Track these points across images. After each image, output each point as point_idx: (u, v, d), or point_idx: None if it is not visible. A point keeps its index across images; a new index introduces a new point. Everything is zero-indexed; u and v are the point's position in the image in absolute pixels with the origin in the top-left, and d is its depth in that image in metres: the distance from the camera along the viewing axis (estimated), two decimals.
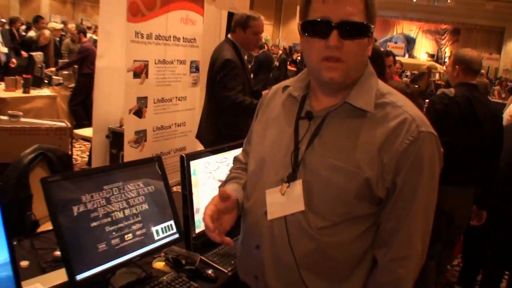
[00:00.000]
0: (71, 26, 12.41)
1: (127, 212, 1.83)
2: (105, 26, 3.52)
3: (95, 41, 7.49)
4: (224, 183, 1.65)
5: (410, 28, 26.72)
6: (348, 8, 1.25)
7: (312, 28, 1.29)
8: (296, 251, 1.36)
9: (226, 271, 1.98)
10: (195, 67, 3.90)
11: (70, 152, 5.18)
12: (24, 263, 1.89)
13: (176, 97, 3.76)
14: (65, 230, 1.61)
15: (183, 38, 3.65)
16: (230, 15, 4.21)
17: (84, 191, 1.71)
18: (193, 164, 2.11)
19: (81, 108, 7.34)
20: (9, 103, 5.56)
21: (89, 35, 9.63)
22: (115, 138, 3.71)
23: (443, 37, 26.29)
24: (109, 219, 1.76)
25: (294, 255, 1.36)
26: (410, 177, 1.29)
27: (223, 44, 3.43)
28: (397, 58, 5.96)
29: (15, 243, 2.00)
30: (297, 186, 1.37)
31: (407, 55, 22.99)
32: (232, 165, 1.77)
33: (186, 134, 4.02)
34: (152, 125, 3.54)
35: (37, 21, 10.28)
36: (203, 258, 2.05)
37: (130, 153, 3.32)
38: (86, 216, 1.68)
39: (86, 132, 4.90)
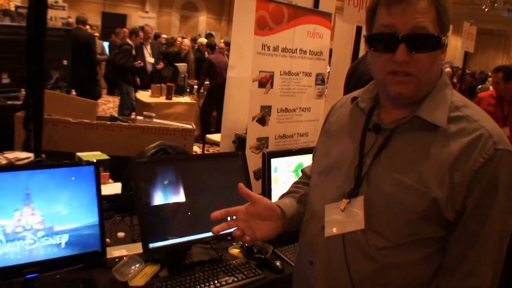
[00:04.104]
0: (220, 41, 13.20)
1: (204, 196, 2.01)
2: (237, 39, 3.77)
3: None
4: (281, 198, 1.59)
5: None
6: (417, 17, 1.14)
7: (378, 42, 1.21)
8: (353, 272, 1.25)
9: (294, 265, 2.06)
10: (320, 80, 3.98)
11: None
12: (120, 234, 2.23)
13: (300, 108, 3.87)
14: (144, 205, 1.84)
15: (310, 51, 3.76)
16: (359, 29, 4.25)
17: (167, 174, 1.93)
18: (275, 161, 2.22)
19: (207, 117, 7.90)
20: (153, 107, 6.18)
21: None
22: (240, 143, 3.93)
23: None
24: (185, 201, 1.96)
25: (350, 276, 1.26)
26: (482, 199, 1.16)
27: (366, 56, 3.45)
28: None
29: (119, 218, 2.38)
30: (359, 203, 1.26)
31: None
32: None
33: (308, 144, 4.09)
34: (275, 133, 3.68)
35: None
36: (276, 250, 2.17)
37: (251, 158, 3.43)
38: (164, 195, 1.90)
39: (216, 137, 5.27)
